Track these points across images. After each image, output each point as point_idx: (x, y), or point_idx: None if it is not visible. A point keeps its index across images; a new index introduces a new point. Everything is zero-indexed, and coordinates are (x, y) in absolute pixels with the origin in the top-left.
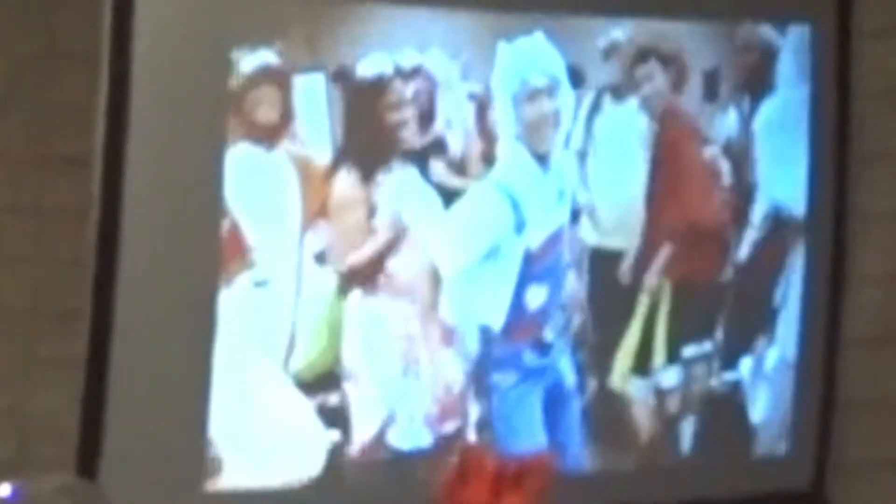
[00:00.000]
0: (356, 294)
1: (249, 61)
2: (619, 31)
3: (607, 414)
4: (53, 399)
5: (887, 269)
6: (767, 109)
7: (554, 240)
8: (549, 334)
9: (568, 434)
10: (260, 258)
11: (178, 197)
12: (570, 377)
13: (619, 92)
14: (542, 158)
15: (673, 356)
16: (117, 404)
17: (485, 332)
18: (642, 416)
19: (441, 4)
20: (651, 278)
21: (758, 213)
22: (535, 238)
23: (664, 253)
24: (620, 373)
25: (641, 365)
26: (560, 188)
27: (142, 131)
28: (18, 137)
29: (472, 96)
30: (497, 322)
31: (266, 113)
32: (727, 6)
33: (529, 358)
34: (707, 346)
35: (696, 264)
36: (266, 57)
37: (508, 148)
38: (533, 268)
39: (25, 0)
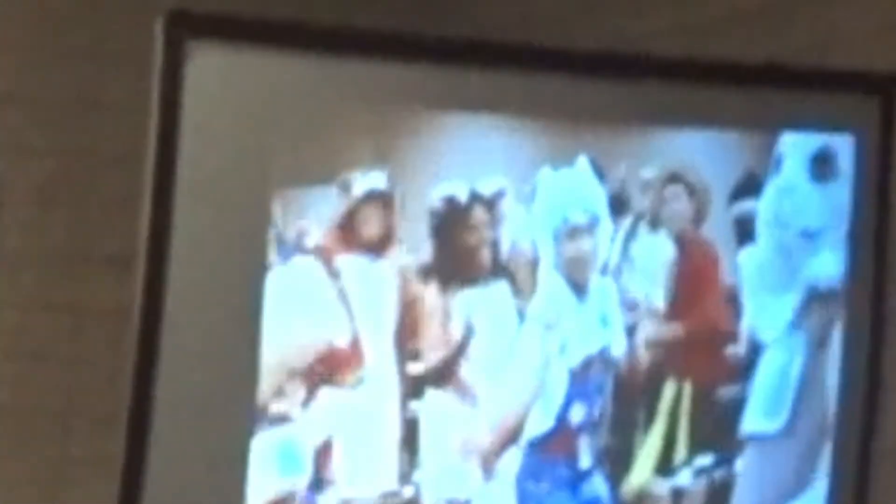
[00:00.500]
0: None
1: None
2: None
3: None
4: (87, 499)
5: None
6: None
7: (594, 359)
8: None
9: None
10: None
11: (221, 301)
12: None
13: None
14: (580, 288)
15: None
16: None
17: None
18: None
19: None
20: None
21: None
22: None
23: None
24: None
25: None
26: (602, 313)
27: (186, 232)
28: (60, 235)
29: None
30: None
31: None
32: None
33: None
34: None
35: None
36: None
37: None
38: (575, 387)
39: (70, 99)
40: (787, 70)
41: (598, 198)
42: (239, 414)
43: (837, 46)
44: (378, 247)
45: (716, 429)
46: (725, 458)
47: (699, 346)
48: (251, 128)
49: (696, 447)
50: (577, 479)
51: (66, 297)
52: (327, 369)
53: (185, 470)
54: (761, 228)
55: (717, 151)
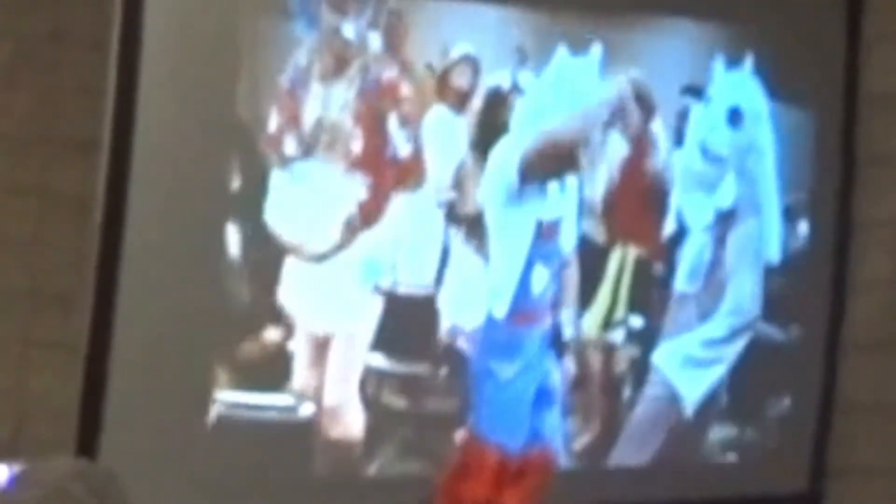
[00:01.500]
0: None
1: None
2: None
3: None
4: (52, 380)
5: (889, 275)
6: None
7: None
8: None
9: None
10: None
11: (186, 184)
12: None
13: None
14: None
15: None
16: (117, 386)
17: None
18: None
19: None
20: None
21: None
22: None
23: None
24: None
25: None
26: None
27: (150, 116)
28: (24, 118)
29: None
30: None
31: None
32: None
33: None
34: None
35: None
36: None
37: None
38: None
39: None
40: None
41: None
42: (204, 291)
43: None
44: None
45: (649, 291)
46: (655, 315)
47: (639, 219)
48: (220, 10)
49: (632, 307)
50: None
51: (32, 180)
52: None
53: (150, 349)
54: (690, 136)
55: (683, 44)
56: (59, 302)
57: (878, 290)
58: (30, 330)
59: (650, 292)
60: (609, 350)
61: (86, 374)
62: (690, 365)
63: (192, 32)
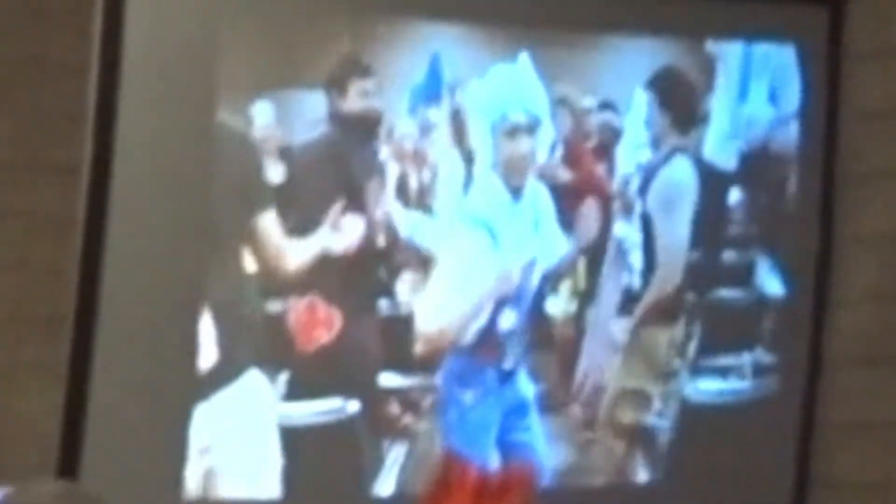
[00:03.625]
0: None
1: None
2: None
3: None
4: (34, 404)
5: (872, 288)
6: None
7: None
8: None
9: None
10: None
11: (167, 207)
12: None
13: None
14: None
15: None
16: (98, 410)
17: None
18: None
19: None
20: None
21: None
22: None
23: None
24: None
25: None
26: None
27: (130, 140)
28: (5, 142)
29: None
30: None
31: None
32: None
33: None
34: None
35: None
36: None
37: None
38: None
39: (14, 7)
40: None
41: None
42: (185, 315)
43: None
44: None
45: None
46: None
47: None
48: (199, 33)
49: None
50: (502, 380)
51: (15, 204)
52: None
53: (131, 372)
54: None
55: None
56: (42, 325)
57: (862, 306)
58: (13, 353)
59: None
60: None
61: (67, 396)
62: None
63: (171, 57)
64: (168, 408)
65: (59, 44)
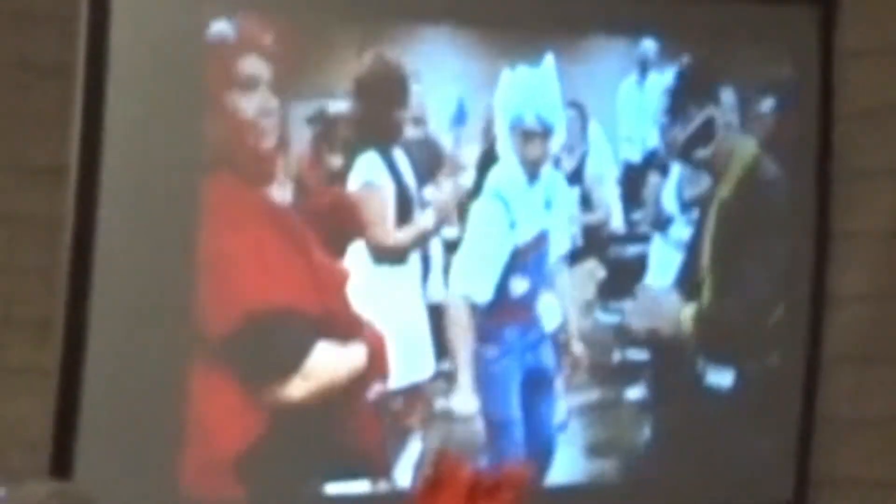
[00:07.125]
0: None
1: None
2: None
3: None
4: (24, 408)
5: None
6: None
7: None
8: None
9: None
10: None
11: (155, 207)
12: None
13: None
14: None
15: None
16: (90, 413)
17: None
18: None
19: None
20: None
21: None
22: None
23: None
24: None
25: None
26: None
27: (118, 141)
28: None
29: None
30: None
31: None
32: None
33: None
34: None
35: None
36: None
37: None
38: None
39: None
40: None
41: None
42: (174, 320)
43: None
44: None
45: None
46: None
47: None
48: (186, 35)
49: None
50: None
51: (2, 207)
52: None
53: (122, 374)
54: None
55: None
56: (32, 327)
57: (858, 304)
58: (3, 355)
59: None
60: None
61: (58, 400)
62: None
63: (157, 57)
64: (160, 409)
65: (43, 45)
